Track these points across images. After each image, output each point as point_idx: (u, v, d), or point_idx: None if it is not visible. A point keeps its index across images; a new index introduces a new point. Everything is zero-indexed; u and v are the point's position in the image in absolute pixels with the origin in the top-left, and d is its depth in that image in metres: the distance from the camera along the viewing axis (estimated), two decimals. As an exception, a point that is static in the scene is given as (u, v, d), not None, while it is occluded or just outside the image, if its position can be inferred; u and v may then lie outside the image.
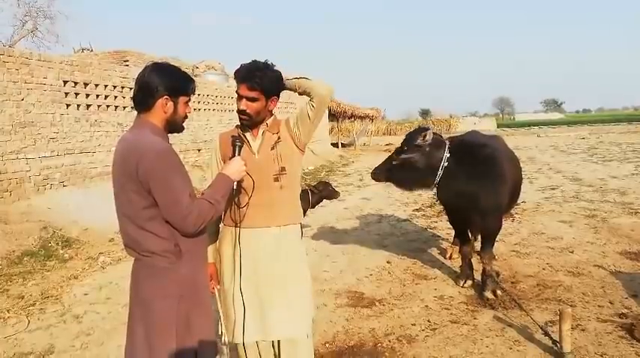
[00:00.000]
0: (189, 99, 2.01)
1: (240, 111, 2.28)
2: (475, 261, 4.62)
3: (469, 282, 4.42)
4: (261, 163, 2.29)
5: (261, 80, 2.21)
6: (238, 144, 2.14)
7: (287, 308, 2.28)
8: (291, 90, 2.37)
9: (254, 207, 2.28)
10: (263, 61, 2.26)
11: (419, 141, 3.94)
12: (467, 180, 3.95)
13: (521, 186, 4.83)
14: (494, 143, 4.38)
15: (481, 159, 4.02)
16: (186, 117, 2.03)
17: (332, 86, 2.33)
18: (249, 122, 2.30)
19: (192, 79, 2.02)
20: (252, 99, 2.24)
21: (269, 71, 2.24)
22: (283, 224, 2.34)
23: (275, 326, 2.27)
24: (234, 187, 2.07)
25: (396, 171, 4.09)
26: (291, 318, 2.29)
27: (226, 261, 2.34)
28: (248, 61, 2.28)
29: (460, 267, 4.61)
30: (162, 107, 1.92)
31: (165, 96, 1.90)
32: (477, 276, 4.41)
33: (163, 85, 1.90)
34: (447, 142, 4.05)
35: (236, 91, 2.29)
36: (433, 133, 3.98)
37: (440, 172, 3.94)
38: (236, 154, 2.11)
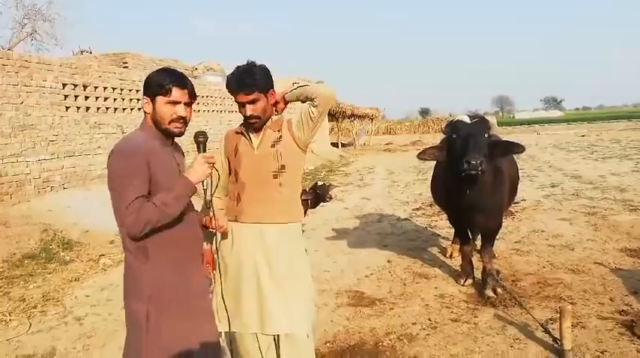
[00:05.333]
0: (172, 100, 1.95)
1: (248, 117, 2.31)
2: (475, 259, 4.63)
3: (469, 281, 4.42)
4: (259, 159, 2.33)
5: (254, 80, 2.25)
6: (201, 139, 2.05)
7: (284, 305, 2.30)
8: (294, 101, 2.40)
9: (253, 203, 2.32)
10: (245, 63, 2.30)
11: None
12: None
13: (519, 185, 4.85)
14: None
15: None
16: (175, 119, 1.96)
17: (333, 88, 2.36)
18: (260, 123, 2.35)
19: (171, 78, 1.96)
20: (254, 101, 2.28)
21: (256, 69, 2.28)
22: (283, 221, 2.37)
23: (272, 322, 2.29)
24: (204, 186, 1.98)
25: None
26: (288, 315, 2.30)
27: (226, 255, 2.37)
28: (233, 71, 2.31)
29: (460, 265, 4.62)
30: (145, 107, 1.99)
31: (145, 96, 1.98)
32: (478, 275, 4.42)
33: (145, 85, 1.99)
34: None
35: (236, 101, 2.31)
36: None
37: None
38: (201, 151, 2.02)
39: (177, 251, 1.98)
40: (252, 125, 2.35)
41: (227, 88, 2.33)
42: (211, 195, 2.03)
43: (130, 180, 1.84)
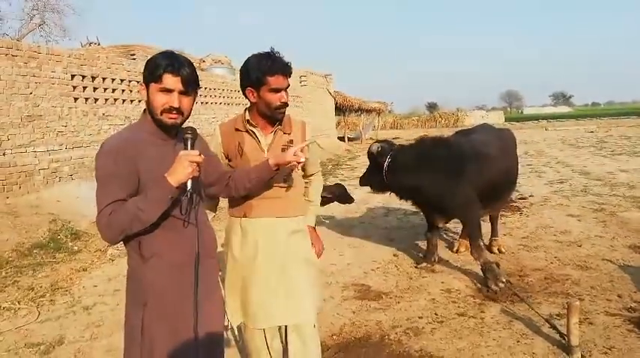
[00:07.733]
0: (164, 88, 1.72)
1: (280, 106, 2.20)
2: (493, 256, 4.65)
3: (435, 258, 4.87)
4: None
5: (291, 66, 2.18)
6: (188, 136, 1.73)
7: (293, 295, 2.29)
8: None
9: (262, 200, 2.29)
10: (269, 50, 2.18)
11: (373, 151, 4.59)
12: (411, 178, 4.38)
13: (515, 176, 5.13)
14: (459, 140, 4.72)
15: (422, 160, 4.41)
16: (166, 109, 1.74)
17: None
18: (284, 115, 2.29)
19: (165, 62, 1.71)
20: (287, 88, 2.21)
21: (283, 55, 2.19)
22: (293, 215, 2.37)
23: (281, 313, 2.28)
24: (188, 188, 1.67)
25: (369, 177, 4.81)
26: (297, 305, 2.30)
27: (236, 250, 2.35)
28: (262, 53, 2.17)
29: (425, 250, 5.00)
30: (140, 94, 1.82)
31: (141, 83, 1.78)
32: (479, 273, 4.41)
33: (143, 71, 1.76)
34: (391, 150, 4.53)
35: (270, 87, 2.15)
36: (387, 144, 4.61)
37: (383, 175, 4.49)
38: (188, 148, 1.72)
39: (177, 253, 1.77)
40: (278, 116, 2.24)
41: (262, 70, 2.10)
42: (194, 201, 1.72)
43: (107, 182, 1.67)
